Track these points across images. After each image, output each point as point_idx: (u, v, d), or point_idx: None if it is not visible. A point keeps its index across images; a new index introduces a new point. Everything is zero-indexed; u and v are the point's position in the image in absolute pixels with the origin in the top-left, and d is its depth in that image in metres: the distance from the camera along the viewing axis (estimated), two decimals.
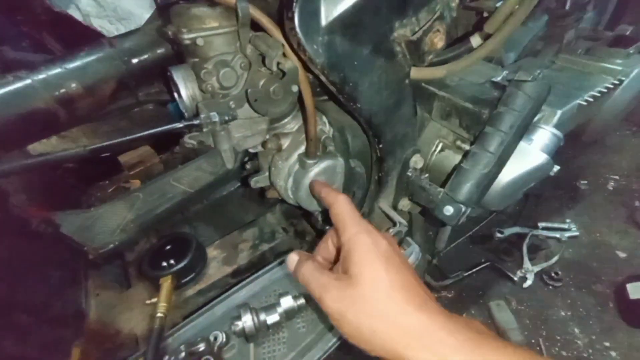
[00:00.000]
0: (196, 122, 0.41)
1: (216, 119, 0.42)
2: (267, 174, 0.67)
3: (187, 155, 1.46)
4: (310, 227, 0.84)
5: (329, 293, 0.34)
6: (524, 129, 0.53)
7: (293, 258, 0.41)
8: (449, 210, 0.56)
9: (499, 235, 1.17)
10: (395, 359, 0.31)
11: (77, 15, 1.48)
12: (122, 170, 1.43)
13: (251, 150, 0.63)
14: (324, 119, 0.63)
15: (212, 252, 0.81)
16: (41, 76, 0.48)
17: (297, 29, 0.38)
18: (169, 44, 0.56)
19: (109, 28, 1.38)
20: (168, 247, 0.76)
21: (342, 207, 0.39)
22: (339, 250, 0.44)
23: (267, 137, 0.61)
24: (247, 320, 0.54)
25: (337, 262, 0.45)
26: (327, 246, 0.44)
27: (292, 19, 0.38)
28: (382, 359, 0.33)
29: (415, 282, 0.34)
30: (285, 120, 0.60)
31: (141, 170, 1.45)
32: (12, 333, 0.45)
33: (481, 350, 0.29)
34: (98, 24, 1.45)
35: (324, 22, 0.39)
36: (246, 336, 0.55)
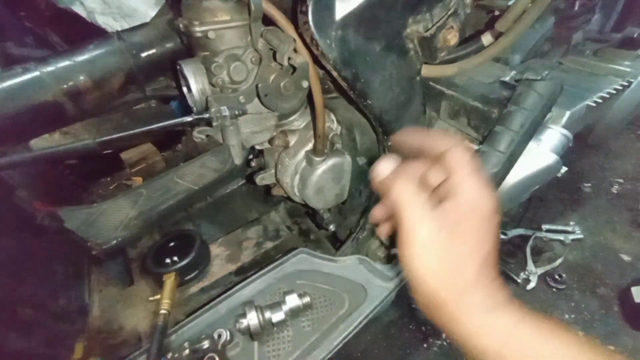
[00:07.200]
0: (206, 116, 0.41)
1: (226, 113, 0.41)
2: (273, 171, 0.67)
3: (190, 153, 1.45)
4: (315, 225, 0.84)
5: (427, 224, 0.32)
6: (535, 129, 0.52)
7: (386, 166, 0.36)
8: None
9: (502, 237, 1.17)
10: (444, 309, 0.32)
11: (82, 12, 1.47)
12: (123, 168, 1.42)
13: (257, 147, 0.63)
14: (332, 116, 0.62)
15: (215, 249, 0.81)
16: (50, 68, 0.47)
17: (311, 23, 0.38)
18: (177, 38, 0.55)
19: (113, 25, 1.37)
20: (172, 244, 0.75)
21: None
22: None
23: (275, 133, 0.61)
24: (252, 318, 0.54)
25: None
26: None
27: (305, 13, 0.38)
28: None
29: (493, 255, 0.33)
30: (293, 117, 0.60)
31: (143, 168, 1.44)
32: (17, 327, 0.45)
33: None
34: (102, 20, 1.44)
35: (337, 16, 0.39)
36: (251, 334, 0.54)
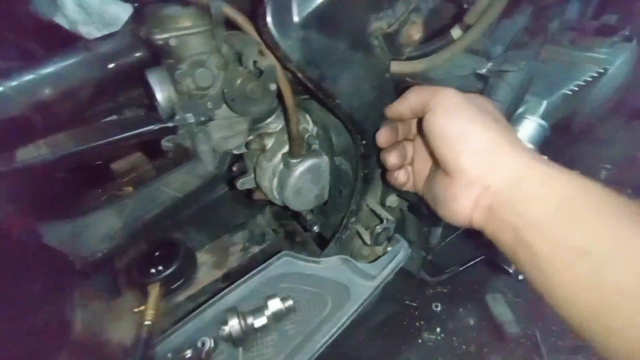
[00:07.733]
0: (171, 124, 0.41)
1: (192, 120, 0.41)
2: (252, 175, 0.67)
3: (180, 161, 1.45)
4: (300, 227, 0.83)
5: (456, 92, 0.37)
6: (508, 119, 0.52)
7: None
8: None
9: None
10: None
11: (64, 23, 1.47)
12: (115, 178, 1.41)
13: (236, 152, 0.62)
14: (307, 117, 0.62)
15: (202, 256, 0.80)
16: (14, 83, 0.47)
17: (270, 26, 0.38)
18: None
19: (96, 35, 1.37)
20: (157, 253, 0.75)
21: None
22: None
23: (251, 137, 0.60)
24: (234, 325, 0.53)
25: None
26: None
27: (264, 16, 0.37)
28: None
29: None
30: (269, 120, 0.60)
31: (133, 177, 1.43)
32: None
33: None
34: (85, 31, 1.44)
35: (297, 17, 0.38)
36: (233, 340, 0.54)
